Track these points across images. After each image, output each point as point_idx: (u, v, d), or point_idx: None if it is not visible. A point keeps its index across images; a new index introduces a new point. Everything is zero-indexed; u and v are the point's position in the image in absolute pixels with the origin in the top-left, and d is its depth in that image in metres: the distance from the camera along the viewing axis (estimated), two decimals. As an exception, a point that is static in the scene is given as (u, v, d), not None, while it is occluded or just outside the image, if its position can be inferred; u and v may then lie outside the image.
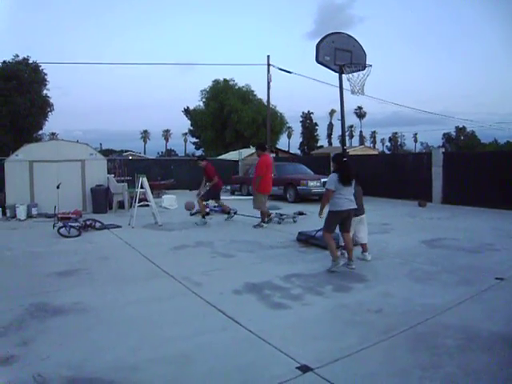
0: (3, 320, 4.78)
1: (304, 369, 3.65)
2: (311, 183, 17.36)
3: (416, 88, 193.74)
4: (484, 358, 3.83)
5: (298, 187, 17.57)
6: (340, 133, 9.31)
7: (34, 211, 14.31)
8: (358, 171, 7.50)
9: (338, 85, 8.78)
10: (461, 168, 16.49)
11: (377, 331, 4.46)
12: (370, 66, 8.84)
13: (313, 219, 10.78)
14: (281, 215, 12.37)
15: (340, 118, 9.06)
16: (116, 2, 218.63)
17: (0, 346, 4.13)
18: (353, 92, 8.75)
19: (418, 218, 12.47)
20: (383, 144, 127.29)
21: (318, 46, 8.51)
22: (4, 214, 14.18)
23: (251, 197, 19.47)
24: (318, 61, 8.53)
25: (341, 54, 8.71)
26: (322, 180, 17.05)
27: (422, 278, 6.42)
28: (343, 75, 8.79)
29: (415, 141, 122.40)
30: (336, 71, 8.77)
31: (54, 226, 10.86)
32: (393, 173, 18.50)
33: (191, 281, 6.37)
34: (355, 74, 8.86)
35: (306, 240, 9.03)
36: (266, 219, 11.62)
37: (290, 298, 5.58)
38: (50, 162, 14.97)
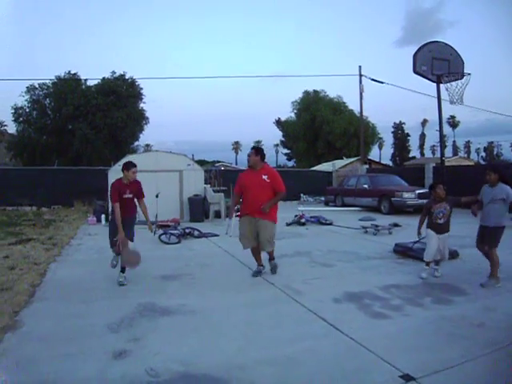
0: (115, 317, 5.18)
1: (406, 378, 3.72)
2: (406, 195, 17.14)
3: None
4: None
5: (393, 199, 17.42)
6: (434, 143, 9.25)
7: (137, 219, 15.06)
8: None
9: (436, 95, 8.71)
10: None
11: (479, 345, 4.42)
12: (469, 74, 8.71)
13: (408, 231, 10.70)
14: (376, 226, 12.33)
15: (438, 128, 8.97)
16: (206, 14, 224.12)
17: (113, 341, 4.50)
18: (451, 102, 8.65)
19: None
20: (478, 154, 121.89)
21: (414, 56, 8.52)
22: (107, 220, 15.03)
23: (346, 208, 19.61)
24: (415, 71, 8.52)
25: (438, 63, 8.65)
26: (417, 192, 16.81)
27: (521, 293, 6.23)
28: (441, 85, 8.69)
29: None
30: (433, 81, 8.72)
31: (154, 233, 11.43)
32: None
33: (291, 288, 6.57)
34: (453, 83, 8.73)
35: (403, 252, 8.97)
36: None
37: (390, 308, 5.63)
38: (150, 171, 15.73)
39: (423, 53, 8.59)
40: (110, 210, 6.99)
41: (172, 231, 11.51)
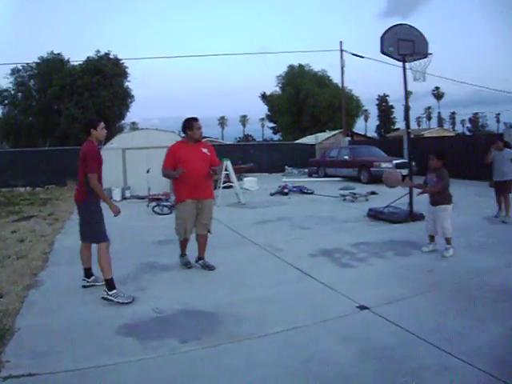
0: (121, 274, 6.00)
1: (362, 307, 4.73)
2: (384, 165, 17.84)
3: (502, 63, 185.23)
4: (512, 306, 4.71)
5: (372, 169, 18.25)
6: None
7: (128, 193, 16.07)
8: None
9: (402, 74, 9.53)
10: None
11: (426, 285, 5.42)
12: (431, 54, 9.49)
13: (384, 198, 11.59)
14: (354, 194, 13.31)
15: (404, 104, 9.84)
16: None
17: (123, 290, 5.33)
18: (415, 79, 9.47)
19: (486, 198, 12.87)
20: (463, 125, 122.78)
21: (382, 38, 9.24)
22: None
23: (328, 178, 20.51)
24: (382, 52, 9.26)
25: (403, 44, 9.39)
26: (394, 162, 17.67)
27: (475, 248, 7.19)
28: (406, 64, 9.51)
29: (497, 121, 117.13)
30: (400, 60, 9.48)
31: (147, 205, 12.43)
32: (466, 154, 18.46)
33: (274, 247, 7.57)
34: (417, 62, 9.54)
35: (375, 215, 9.92)
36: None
37: (356, 260, 6.64)
38: (141, 148, 16.56)
39: (390, 34, 9.31)
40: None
41: (164, 203, 12.38)
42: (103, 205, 5.32)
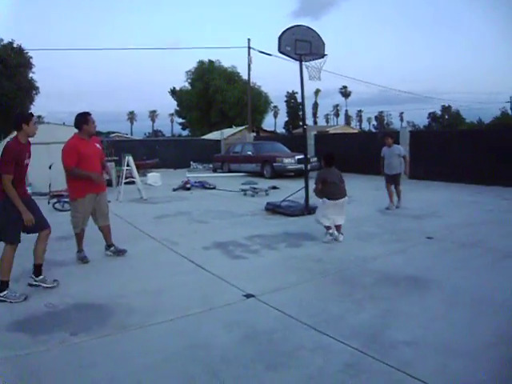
0: (16, 272, 5.73)
1: (248, 296, 4.91)
2: (286, 160, 18.39)
3: (405, 66, 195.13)
4: (390, 289, 5.08)
5: (274, 164, 18.67)
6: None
7: (29, 190, 15.31)
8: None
9: (299, 72, 9.87)
10: (426, 146, 17.75)
11: (313, 273, 5.71)
12: (326, 55, 9.89)
13: (284, 192, 11.97)
14: (254, 189, 13.60)
15: (301, 101, 10.21)
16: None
17: (17, 288, 5.21)
18: (310, 78, 9.84)
19: (382, 191, 13.59)
20: (370, 123, 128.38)
21: (279, 38, 9.47)
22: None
23: (231, 174, 20.74)
24: (280, 51, 9.51)
25: (301, 44, 9.70)
26: (297, 157, 18.14)
27: (364, 238, 7.65)
28: (303, 63, 9.85)
29: (401, 120, 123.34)
30: (296, 59, 9.78)
31: (48, 202, 12.06)
32: (366, 150, 19.16)
33: (169, 241, 7.64)
34: (313, 62, 9.90)
35: (272, 209, 10.20)
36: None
37: (249, 252, 6.84)
38: (42, 144, 15.95)
39: (287, 35, 9.59)
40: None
41: (65, 199, 12.09)
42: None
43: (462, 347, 3.61)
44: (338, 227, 7.47)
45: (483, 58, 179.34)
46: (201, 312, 4.51)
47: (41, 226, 5.44)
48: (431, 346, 3.64)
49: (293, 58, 9.78)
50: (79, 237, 6.64)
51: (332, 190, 7.38)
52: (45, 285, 5.30)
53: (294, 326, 4.12)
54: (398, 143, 18.37)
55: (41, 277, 5.39)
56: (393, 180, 10.69)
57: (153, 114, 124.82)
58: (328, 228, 7.37)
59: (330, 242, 7.31)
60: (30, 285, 5.35)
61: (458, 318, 4.23)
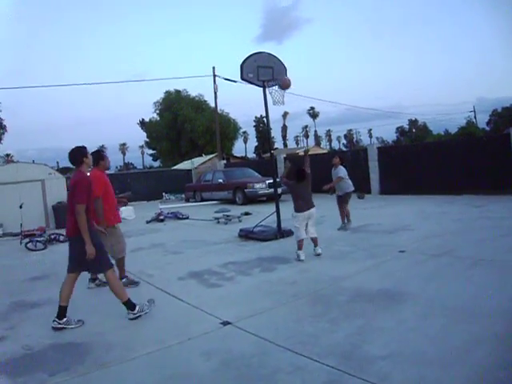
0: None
1: (225, 323, 4.96)
2: (257, 185, 18.57)
3: (367, 83, 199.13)
4: (364, 306, 5.17)
5: (246, 190, 18.80)
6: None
7: (0, 231, 15.19)
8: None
9: (263, 98, 10.01)
10: (394, 160, 18.17)
11: (287, 296, 5.78)
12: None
13: (257, 217, 12.05)
14: (227, 216, 13.64)
15: (266, 126, 10.36)
16: (60, 18, 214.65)
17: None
18: (274, 103, 9.96)
19: (354, 209, 13.67)
20: (339, 142, 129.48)
21: (241, 65, 9.66)
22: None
23: (204, 202, 20.75)
24: (242, 78, 9.69)
25: (263, 70, 9.89)
26: (267, 182, 18.30)
27: (337, 257, 7.76)
28: (266, 89, 10.01)
29: (370, 136, 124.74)
30: (260, 86, 9.96)
31: (21, 243, 11.96)
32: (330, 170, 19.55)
33: (145, 273, 7.71)
34: (276, 87, 10.04)
35: (245, 235, 10.26)
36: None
37: (224, 279, 6.90)
38: (11, 183, 15.86)
39: (249, 62, 9.77)
40: None
41: (38, 239, 11.99)
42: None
43: (437, 357, 3.70)
44: (314, 240, 7.92)
45: (445, 69, 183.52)
46: (179, 343, 4.53)
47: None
48: (408, 358, 3.72)
49: (256, 85, 9.92)
50: (122, 262, 7.04)
51: (301, 203, 7.80)
52: (70, 326, 5.24)
53: (270, 349, 4.17)
54: (367, 160, 18.84)
55: (64, 319, 5.29)
56: (341, 200, 10.65)
57: (123, 147, 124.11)
58: (299, 245, 7.77)
59: (299, 259, 7.64)
60: (55, 328, 5.23)
61: (433, 328, 4.32)
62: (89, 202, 5.31)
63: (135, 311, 5.30)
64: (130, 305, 5.32)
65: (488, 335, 4.01)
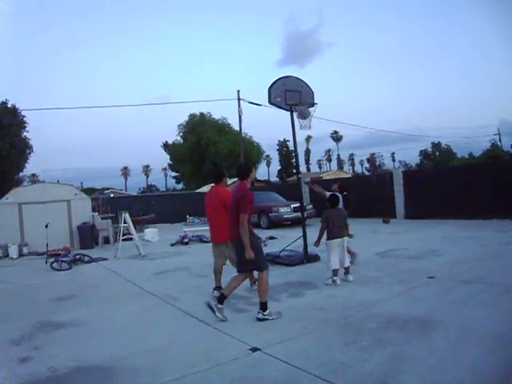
0: (16, 335, 5.92)
1: (254, 349, 4.88)
2: (282, 209, 18.58)
3: (389, 106, 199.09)
4: (396, 333, 5.06)
5: (270, 214, 18.82)
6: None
7: (25, 250, 15.46)
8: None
9: (290, 122, 10.03)
10: (419, 184, 18.02)
11: (316, 323, 5.69)
12: (316, 104, 10.12)
13: (282, 242, 12.00)
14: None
15: (294, 149, 10.36)
16: (88, 40, 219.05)
17: (16, 351, 5.26)
18: (301, 128, 9.99)
19: (379, 234, 13.69)
20: (362, 165, 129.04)
21: (269, 89, 9.72)
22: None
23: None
24: (270, 102, 9.74)
25: (290, 94, 9.93)
26: (292, 206, 18.27)
27: (365, 282, 7.66)
28: (294, 113, 10.02)
29: (393, 160, 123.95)
30: (287, 110, 9.99)
31: (46, 262, 12.10)
32: (360, 193, 19.30)
33: (171, 297, 7.66)
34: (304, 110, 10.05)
35: (272, 260, 10.15)
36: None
37: (251, 304, 6.82)
38: (38, 203, 16.12)
39: (277, 86, 9.83)
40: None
41: (63, 258, 12.09)
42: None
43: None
44: (346, 269, 7.91)
45: (463, 92, 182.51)
46: (208, 368, 4.45)
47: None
48: (442, 388, 3.61)
49: (283, 109, 9.95)
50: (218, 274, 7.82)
51: (334, 230, 7.84)
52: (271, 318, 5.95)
53: (302, 377, 4.09)
54: (392, 184, 18.73)
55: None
56: None
57: (146, 169, 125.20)
58: (335, 273, 7.73)
59: (331, 284, 7.65)
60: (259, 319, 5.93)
61: (468, 357, 4.20)
62: (251, 213, 6.12)
63: (266, 313, 5.92)
64: (264, 306, 5.97)
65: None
